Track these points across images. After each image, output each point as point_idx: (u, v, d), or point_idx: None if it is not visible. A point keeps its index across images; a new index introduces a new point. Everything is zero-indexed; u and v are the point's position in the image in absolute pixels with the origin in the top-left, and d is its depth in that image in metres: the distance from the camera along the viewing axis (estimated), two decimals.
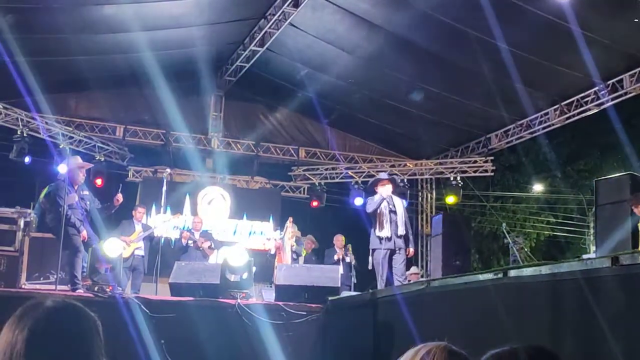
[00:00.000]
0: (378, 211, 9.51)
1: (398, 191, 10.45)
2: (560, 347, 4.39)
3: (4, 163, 13.43)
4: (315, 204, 15.72)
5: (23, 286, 9.02)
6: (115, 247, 9.04)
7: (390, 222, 9.48)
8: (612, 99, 11.81)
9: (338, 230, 13.48)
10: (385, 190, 9.65)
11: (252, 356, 7.66)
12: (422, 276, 12.91)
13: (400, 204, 9.71)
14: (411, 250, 9.74)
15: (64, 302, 1.86)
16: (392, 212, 9.55)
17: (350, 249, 12.87)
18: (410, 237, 9.74)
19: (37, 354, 1.72)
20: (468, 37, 11.03)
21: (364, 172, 15.95)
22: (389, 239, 9.42)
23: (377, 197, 9.61)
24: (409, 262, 14.83)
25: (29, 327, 1.75)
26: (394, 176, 10.84)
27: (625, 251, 4.32)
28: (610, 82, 11.68)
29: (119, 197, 9.79)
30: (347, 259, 12.76)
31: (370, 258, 9.80)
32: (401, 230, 9.48)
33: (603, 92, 11.86)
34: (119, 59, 12.97)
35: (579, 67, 11.11)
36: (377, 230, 9.51)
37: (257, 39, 12.88)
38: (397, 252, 9.50)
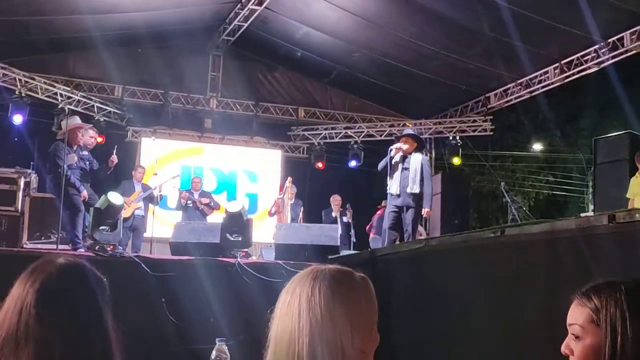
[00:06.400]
0: (390, 167, 9.42)
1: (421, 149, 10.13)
2: (557, 305, 4.44)
3: (1, 123, 13.41)
4: (320, 165, 15.69)
5: (24, 246, 9.08)
6: (118, 197, 8.95)
7: (401, 179, 9.38)
8: (612, 57, 11.74)
9: (337, 190, 13.51)
10: (397, 146, 9.56)
11: (252, 314, 7.73)
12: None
13: (416, 162, 9.40)
14: (426, 210, 9.50)
15: (75, 260, 1.94)
16: (405, 169, 9.42)
17: (349, 207, 12.93)
18: (426, 195, 9.42)
19: (47, 306, 1.78)
20: None
21: (362, 131, 15.95)
22: (397, 195, 9.35)
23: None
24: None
25: (40, 281, 1.82)
26: (414, 133, 10.54)
27: (622, 209, 4.33)
28: (610, 40, 11.59)
29: (114, 158, 9.76)
30: (345, 219, 12.82)
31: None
32: (412, 188, 9.37)
33: (603, 50, 11.78)
34: (117, 18, 12.86)
35: (579, 25, 11.00)
36: (387, 186, 9.48)
37: None
38: (405, 210, 9.43)
